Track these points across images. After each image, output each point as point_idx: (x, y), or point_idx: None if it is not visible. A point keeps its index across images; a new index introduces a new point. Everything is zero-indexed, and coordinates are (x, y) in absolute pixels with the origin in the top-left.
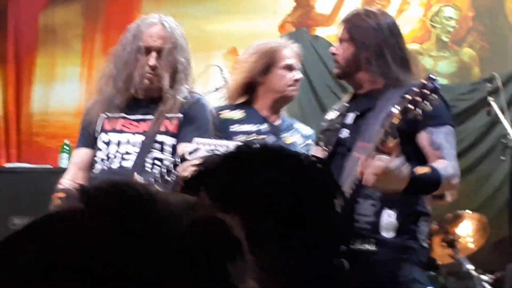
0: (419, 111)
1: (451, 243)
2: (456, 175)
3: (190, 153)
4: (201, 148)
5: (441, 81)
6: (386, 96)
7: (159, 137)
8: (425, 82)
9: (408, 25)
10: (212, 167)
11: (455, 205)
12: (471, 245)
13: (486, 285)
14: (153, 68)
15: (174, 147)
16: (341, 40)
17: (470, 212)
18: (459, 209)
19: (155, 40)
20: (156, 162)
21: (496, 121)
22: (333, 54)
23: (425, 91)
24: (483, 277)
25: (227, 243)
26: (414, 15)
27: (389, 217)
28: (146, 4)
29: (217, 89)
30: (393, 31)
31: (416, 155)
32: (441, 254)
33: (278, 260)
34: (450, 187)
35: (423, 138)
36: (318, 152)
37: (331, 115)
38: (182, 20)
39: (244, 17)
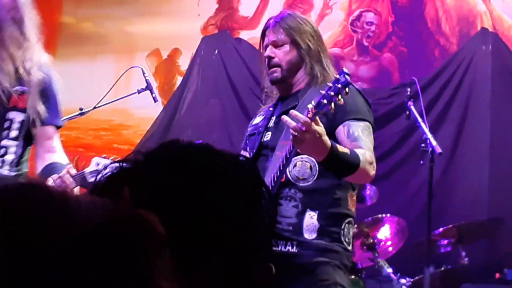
0: (332, 105)
1: (371, 246)
2: (373, 166)
3: (91, 172)
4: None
5: (362, 85)
6: (308, 94)
7: (10, 114)
8: (337, 76)
9: (330, 29)
10: (133, 166)
11: (375, 208)
12: (390, 249)
13: None
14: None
15: (22, 124)
16: (279, 43)
17: (389, 215)
18: (378, 213)
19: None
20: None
21: (415, 126)
22: (270, 57)
23: (338, 85)
24: (402, 280)
25: (153, 238)
26: (336, 20)
27: (311, 218)
28: (66, 5)
29: (139, 91)
30: (321, 36)
31: None
32: (361, 257)
33: (193, 260)
34: (366, 175)
35: (340, 132)
36: None
37: (257, 120)
38: (103, 22)
39: (167, 19)
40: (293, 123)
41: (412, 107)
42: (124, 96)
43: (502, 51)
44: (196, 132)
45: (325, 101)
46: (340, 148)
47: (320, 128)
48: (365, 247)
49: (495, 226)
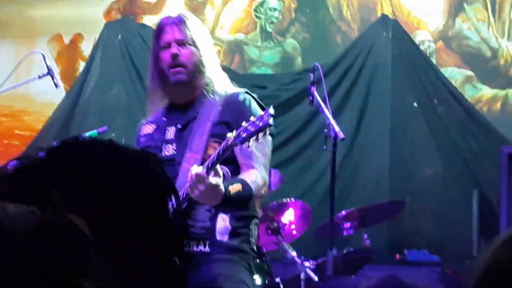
0: (250, 141)
1: (276, 230)
2: (265, 185)
3: None
4: None
5: (265, 71)
6: (206, 105)
7: None
8: (262, 114)
9: (234, 15)
10: (34, 164)
11: (280, 193)
12: (295, 232)
13: (308, 271)
14: None
15: None
16: (184, 42)
17: (293, 200)
18: (283, 197)
19: None
20: None
21: (318, 111)
22: (176, 55)
23: (259, 123)
24: (306, 263)
25: (79, 243)
26: (239, 6)
27: (223, 221)
28: None
29: (40, 76)
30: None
31: (235, 161)
32: (266, 241)
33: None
34: (259, 196)
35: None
36: None
37: (147, 129)
38: (3, 6)
39: (69, 3)
40: (193, 177)
41: (315, 93)
42: (25, 81)
43: (402, 37)
44: (100, 118)
45: (244, 134)
46: (233, 189)
47: (216, 179)
48: (269, 231)
49: (396, 209)
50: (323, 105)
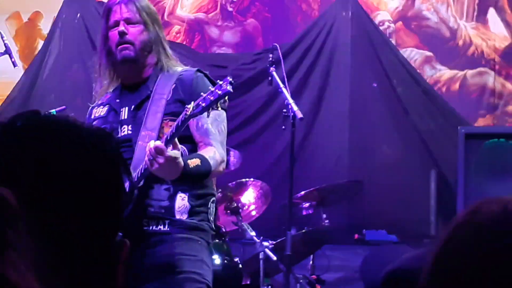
0: (209, 110)
1: (235, 210)
2: (223, 162)
3: None
4: None
5: (227, 50)
6: (159, 84)
7: None
8: (220, 82)
9: None
10: None
11: (239, 173)
12: (254, 213)
13: (267, 250)
14: None
15: None
16: (132, 21)
17: (253, 180)
18: (242, 177)
19: None
20: None
21: (278, 91)
22: (124, 33)
23: (219, 91)
24: (265, 243)
25: (5, 212)
26: None
27: (182, 200)
28: None
29: None
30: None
31: (192, 140)
32: (225, 221)
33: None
34: (217, 173)
35: (191, 124)
36: None
37: (99, 111)
38: None
39: None
40: (152, 150)
41: (274, 73)
42: None
43: (361, 17)
44: (60, 97)
45: (203, 104)
46: (192, 163)
47: (175, 152)
48: (228, 211)
49: (354, 189)
50: (281, 85)
